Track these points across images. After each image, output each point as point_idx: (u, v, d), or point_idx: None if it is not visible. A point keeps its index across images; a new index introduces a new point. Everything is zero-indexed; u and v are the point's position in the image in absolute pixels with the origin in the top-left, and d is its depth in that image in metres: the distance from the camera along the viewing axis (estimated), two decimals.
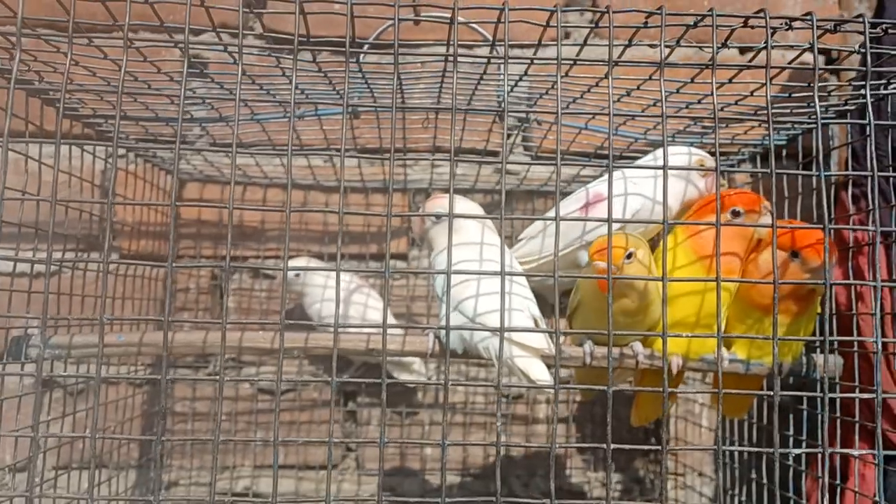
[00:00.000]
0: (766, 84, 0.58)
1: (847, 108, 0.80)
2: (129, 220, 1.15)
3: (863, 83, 0.62)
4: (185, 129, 1.00)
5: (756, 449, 0.64)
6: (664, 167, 0.55)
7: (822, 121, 0.60)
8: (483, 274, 0.74)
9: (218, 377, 0.59)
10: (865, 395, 0.74)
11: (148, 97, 0.77)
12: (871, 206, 0.67)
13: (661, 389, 0.59)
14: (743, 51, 1.11)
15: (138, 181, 1.09)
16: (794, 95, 0.76)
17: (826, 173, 0.61)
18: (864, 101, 0.68)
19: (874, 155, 0.64)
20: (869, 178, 0.63)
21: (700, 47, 0.65)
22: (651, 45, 0.60)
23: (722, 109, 0.80)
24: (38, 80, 0.72)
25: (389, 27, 0.75)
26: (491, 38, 0.70)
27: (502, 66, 0.71)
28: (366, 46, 0.77)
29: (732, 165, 1.03)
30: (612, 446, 0.58)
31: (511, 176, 1.15)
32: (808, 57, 0.63)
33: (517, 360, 0.72)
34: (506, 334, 0.72)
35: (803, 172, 0.64)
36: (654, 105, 0.80)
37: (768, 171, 0.58)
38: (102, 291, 0.54)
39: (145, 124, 0.88)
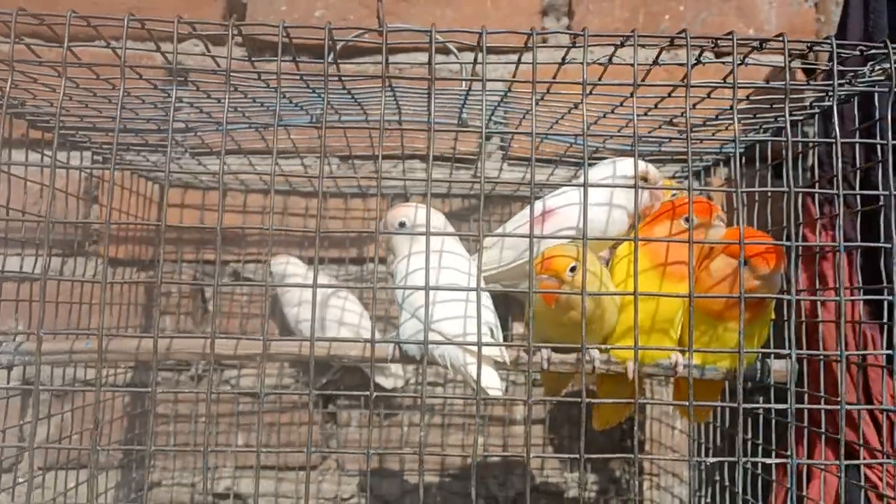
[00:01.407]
0: (733, 102, 0.59)
1: (813, 111, 0.80)
2: (113, 225, 1.17)
3: (828, 86, 0.62)
4: (162, 139, 1.02)
5: (726, 458, 0.65)
6: (585, 184, 0.56)
7: (792, 139, 0.60)
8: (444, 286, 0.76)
9: (196, 382, 0.60)
10: (830, 407, 0.75)
11: (113, 110, 0.79)
12: (835, 213, 0.69)
13: (631, 399, 0.60)
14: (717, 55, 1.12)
15: (117, 188, 1.11)
16: (759, 104, 0.77)
17: (796, 189, 0.62)
18: (830, 104, 0.69)
19: (839, 171, 0.65)
20: (836, 197, 0.64)
21: (670, 65, 0.65)
22: (630, 64, 0.60)
23: (695, 128, 0.81)
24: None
25: (350, 40, 0.77)
26: (459, 58, 0.71)
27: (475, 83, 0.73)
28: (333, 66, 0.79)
29: (697, 173, 1.04)
30: (585, 455, 0.60)
31: (485, 181, 1.16)
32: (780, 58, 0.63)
33: (469, 368, 0.74)
34: (460, 343, 0.75)
35: (773, 189, 0.65)
36: (627, 125, 0.82)
37: (734, 189, 0.59)
38: (41, 300, 0.55)
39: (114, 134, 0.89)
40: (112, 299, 1.10)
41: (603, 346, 0.78)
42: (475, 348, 0.73)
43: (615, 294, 0.78)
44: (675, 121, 0.78)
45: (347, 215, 1.25)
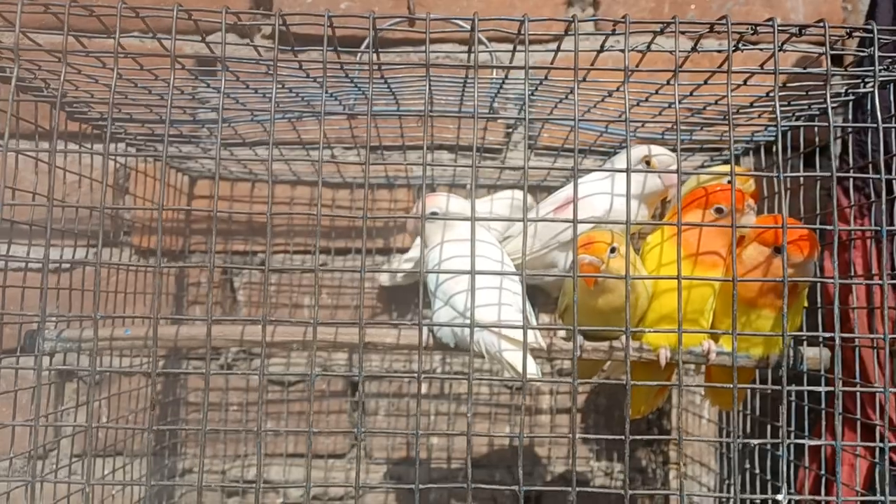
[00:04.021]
0: (774, 87, 0.59)
1: (848, 97, 0.80)
2: (141, 215, 1.18)
3: (868, 72, 0.62)
4: (193, 129, 1.04)
5: (769, 440, 0.65)
6: (629, 169, 0.57)
7: (834, 125, 0.60)
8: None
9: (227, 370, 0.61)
10: (871, 390, 0.75)
11: (151, 100, 0.81)
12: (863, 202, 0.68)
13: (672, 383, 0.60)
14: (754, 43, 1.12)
15: (149, 179, 1.13)
16: (794, 91, 0.77)
17: (838, 174, 0.62)
18: (857, 94, 0.69)
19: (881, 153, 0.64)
20: (871, 182, 0.64)
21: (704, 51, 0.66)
22: (670, 52, 0.59)
23: (737, 111, 0.81)
24: (45, 87, 0.75)
25: (386, 28, 0.78)
26: (489, 47, 0.72)
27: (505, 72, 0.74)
28: (359, 55, 0.80)
29: (726, 162, 1.04)
30: (630, 437, 0.61)
31: (510, 171, 1.17)
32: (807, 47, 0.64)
33: (506, 354, 0.74)
34: (495, 329, 0.75)
35: (814, 174, 0.65)
36: (660, 112, 0.82)
37: (775, 174, 0.59)
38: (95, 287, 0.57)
39: (152, 126, 0.91)
40: (145, 289, 1.11)
41: (645, 329, 0.78)
42: (510, 334, 0.75)
43: (657, 278, 0.78)
44: (709, 108, 0.78)
45: (374, 206, 1.26)
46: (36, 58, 0.65)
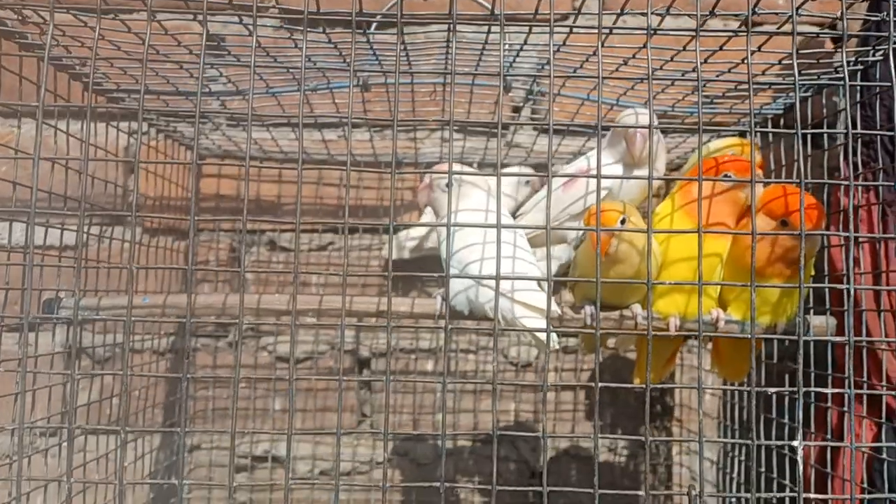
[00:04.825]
0: (792, 53, 0.60)
1: (857, 67, 0.81)
2: (152, 194, 1.19)
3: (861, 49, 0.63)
4: (204, 104, 1.04)
5: (787, 389, 0.67)
6: (650, 126, 0.58)
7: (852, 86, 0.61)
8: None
9: (235, 348, 0.62)
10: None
11: (169, 71, 0.81)
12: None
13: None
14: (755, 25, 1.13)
15: (159, 156, 1.14)
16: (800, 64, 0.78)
17: (854, 132, 0.62)
18: (862, 65, 0.70)
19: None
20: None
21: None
22: (690, 15, 0.60)
23: (759, 73, 0.81)
24: (66, 55, 0.76)
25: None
26: (491, 10, 0.72)
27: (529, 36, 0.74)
28: (374, 25, 0.81)
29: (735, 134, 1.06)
30: (650, 439, 0.62)
31: (519, 149, 1.18)
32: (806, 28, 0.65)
33: (523, 321, 0.76)
34: (512, 295, 0.77)
35: (834, 130, 0.66)
36: (688, 73, 0.82)
37: (795, 131, 0.60)
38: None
39: (165, 98, 0.92)
40: (156, 264, 1.12)
41: (671, 282, 0.78)
42: (524, 299, 0.76)
43: (679, 231, 0.79)
44: (723, 77, 0.79)
45: (381, 185, 1.27)
46: (63, 22, 0.66)
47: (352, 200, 1.26)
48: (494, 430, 0.60)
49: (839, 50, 0.58)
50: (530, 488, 0.63)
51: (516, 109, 1.23)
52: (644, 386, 0.59)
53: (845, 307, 0.79)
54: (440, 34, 0.73)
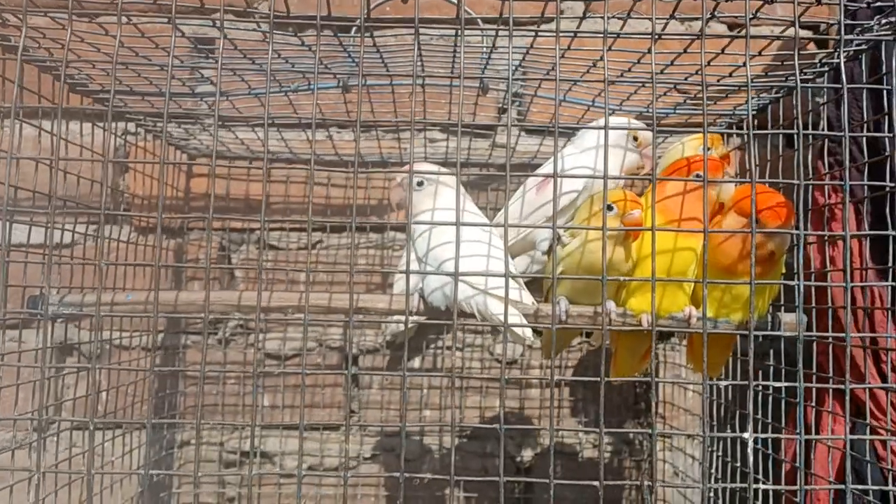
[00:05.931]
0: (745, 56, 0.61)
1: (823, 69, 0.82)
2: (141, 193, 1.21)
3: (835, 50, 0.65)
4: (193, 106, 1.06)
5: (784, 384, 0.68)
6: (653, 121, 0.59)
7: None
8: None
9: (224, 345, 0.64)
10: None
11: (152, 73, 0.83)
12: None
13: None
14: (731, 27, 1.15)
15: (149, 156, 1.15)
16: (771, 65, 0.80)
17: (839, 132, 0.64)
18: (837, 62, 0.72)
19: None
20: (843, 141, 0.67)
21: (681, 19, 0.68)
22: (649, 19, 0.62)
23: (718, 81, 0.84)
24: (48, 57, 0.78)
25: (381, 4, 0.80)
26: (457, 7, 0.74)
27: (497, 39, 0.76)
28: (353, 29, 0.82)
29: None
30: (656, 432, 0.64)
31: (502, 149, 1.20)
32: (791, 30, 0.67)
33: (499, 316, 0.77)
34: (488, 291, 0.78)
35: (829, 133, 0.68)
36: (645, 85, 0.84)
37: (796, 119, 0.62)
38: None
39: (151, 99, 0.93)
40: (145, 261, 1.14)
41: (672, 279, 0.80)
42: (499, 294, 0.78)
43: (683, 230, 0.81)
44: (690, 79, 0.80)
45: (369, 184, 1.29)
46: (40, 25, 0.68)
47: (339, 200, 1.28)
48: (501, 426, 0.62)
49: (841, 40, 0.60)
50: (535, 479, 0.65)
51: (502, 111, 1.25)
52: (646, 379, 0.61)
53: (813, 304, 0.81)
54: (411, 37, 0.74)
